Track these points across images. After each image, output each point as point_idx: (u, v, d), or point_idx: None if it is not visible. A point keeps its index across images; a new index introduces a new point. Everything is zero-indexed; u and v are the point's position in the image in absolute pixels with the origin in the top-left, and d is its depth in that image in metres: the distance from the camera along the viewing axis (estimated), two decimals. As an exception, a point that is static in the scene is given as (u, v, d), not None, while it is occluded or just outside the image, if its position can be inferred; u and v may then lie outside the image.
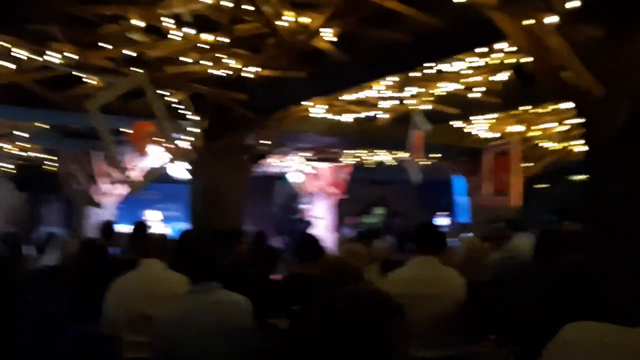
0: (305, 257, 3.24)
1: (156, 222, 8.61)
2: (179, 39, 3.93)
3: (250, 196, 6.20)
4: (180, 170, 6.37)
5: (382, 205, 14.97)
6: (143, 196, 11.57)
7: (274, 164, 10.37)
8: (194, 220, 5.91)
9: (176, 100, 5.34)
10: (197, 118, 5.54)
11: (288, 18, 3.77)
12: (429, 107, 6.10)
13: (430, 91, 5.62)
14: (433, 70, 5.03)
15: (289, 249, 7.11)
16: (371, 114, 6.36)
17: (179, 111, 5.53)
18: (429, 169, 9.14)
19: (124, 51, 4.09)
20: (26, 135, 6.98)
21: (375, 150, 9.43)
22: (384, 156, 9.69)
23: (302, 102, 5.73)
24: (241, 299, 2.30)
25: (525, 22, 3.01)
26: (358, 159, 10.20)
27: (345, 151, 9.60)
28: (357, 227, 11.67)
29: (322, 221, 10.96)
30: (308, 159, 9.97)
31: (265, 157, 6.20)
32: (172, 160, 4.58)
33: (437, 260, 2.90)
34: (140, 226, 4.13)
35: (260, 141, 6.02)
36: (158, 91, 4.70)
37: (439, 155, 8.83)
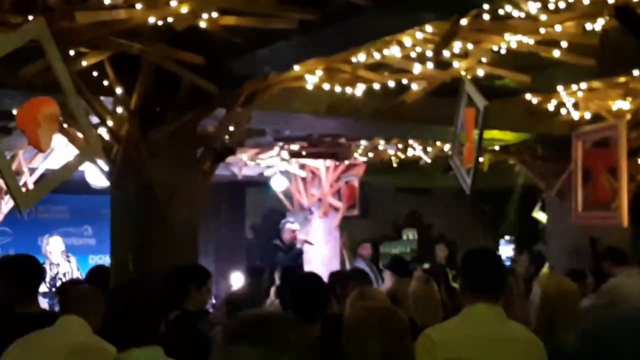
0: (302, 315, 3.38)
1: (56, 253, 8.60)
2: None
3: (210, 214, 6.15)
4: (99, 175, 6.34)
5: (414, 225, 15.05)
6: (42, 215, 11.66)
7: (247, 163, 10.41)
8: (116, 252, 5.94)
9: (92, 64, 5.34)
10: (124, 92, 5.56)
11: None
12: (486, 72, 6.14)
13: (489, 47, 5.68)
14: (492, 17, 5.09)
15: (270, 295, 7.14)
16: (397, 84, 6.45)
17: (98, 82, 5.53)
18: (487, 169, 9.14)
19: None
20: None
21: (402, 141, 9.38)
22: (416, 150, 9.67)
23: (291, 67, 5.78)
24: None
25: None
26: (375, 155, 10.21)
27: (355, 143, 9.67)
28: (375, 259, 11.66)
29: (319, 250, 10.99)
30: (299, 155, 10.00)
31: (234, 152, 6.20)
32: (83, 159, 4.52)
33: (501, 310, 3.11)
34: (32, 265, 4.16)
35: (226, 128, 6.03)
36: (65, 51, 4.69)
37: (502, 147, 8.85)
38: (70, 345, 3.09)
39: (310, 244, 10.57)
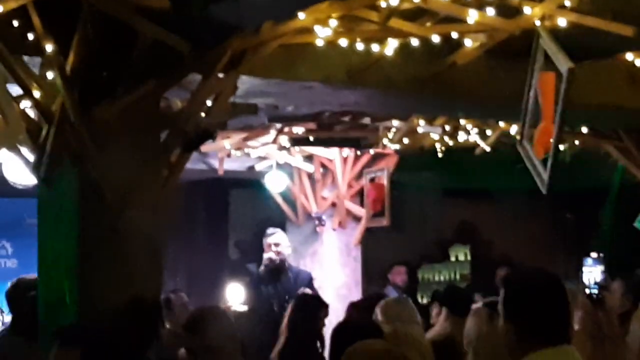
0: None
1: None
2: None
3: (181, 225, 6.11)
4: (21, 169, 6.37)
5: (466, 242, 15.08)
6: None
7: (230, 154, 10.47)
8: (46, 279, 5.97)
9: (11, 11, 5.38)
10: (56, 51, 5.54)
11: None
12: (571, 22, 6.13)
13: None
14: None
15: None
16: (444, 40, 6.47)
17: (20, 36, 5.56)
18: (572, 160, 9.09)
19: None
20: None
21: (450, 122, 9.45)
22: (470, 134, 9.74)
23: (295, 15, 5.81)
24: None
25: None
26: (412, 142, 10.29)
27: (385, 124, 9.67)
28: (412, 287, 11.64)
29: (333, 275, 11.04)
30: (304, 143, 10.05)
31: (212, 137, 6.26)
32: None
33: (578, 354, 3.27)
34: None
35: (201, 103, 6.09)
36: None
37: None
38: None
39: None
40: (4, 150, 6.05)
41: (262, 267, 9.51)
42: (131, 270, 5.75)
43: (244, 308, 7.89)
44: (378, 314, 6.14)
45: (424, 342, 5.78)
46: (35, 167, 5.87)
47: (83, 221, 5.83)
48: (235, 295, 8.21)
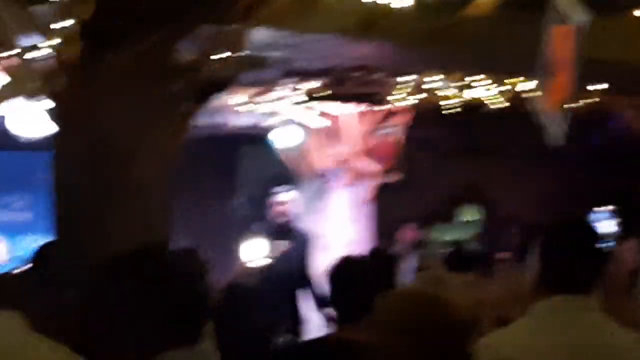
0: (346, 312, 3.82)
1: None
2: None
3: (188, 181, 6.14)
4: (32, 121, 6.32)
5: (477, 201, 15.06)
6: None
7: (241, 107, 10.41)
8: (62, 230, 5.95)
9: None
10: None
11: None
12: None
13: None
14: None
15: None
16: None
17: None
18: (586, 114, 9.09)
19: None
20: None
21: (462, 77, 9.39)
22: (483, 89, 9.64)
23: None
24: None
25: None
26: (425, 98, 10.22)
27: (397, 79, 9.64)
28: (424, 247, 11.69)
29: (342, 232, 11.01)
30: (316, 98, 10.00)
31: (224, 88, 6.24)
32: (9, 94, 4.57)
33: (595, 305, 3.18)
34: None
35: (213, 54, 6.02)
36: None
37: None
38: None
39: (332, 224, 10.53)
40: (16, 101, 6.07)
41: (267, 225, 9.52)
42: (140, 220, 5.73)
43: (261, 263, 7.90)
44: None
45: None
46: (49, 117, 5.90)
47: (94, 172, 5.80)
48: (252, 251, 8.21)
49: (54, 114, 5.87)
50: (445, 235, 14.04)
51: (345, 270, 4.18)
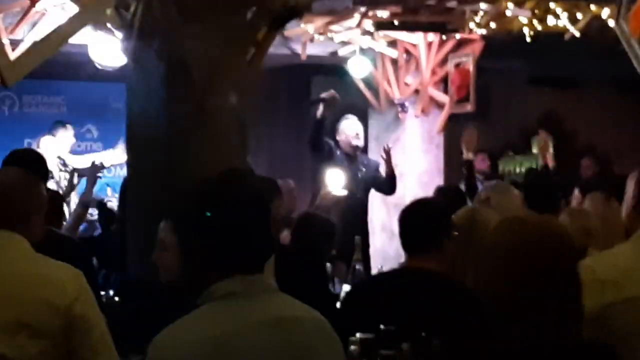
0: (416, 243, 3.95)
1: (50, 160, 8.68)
2: None
3: (262, 112, 6.14)
4: (108, 51, 6.39)
5: (550, 131, 14.85)
6: (29, 109, 11.72)
7: (313, 38, 10.47)
8: (135, 158, 6.09)
9: None
10: None
11: None
12: None
13: None
14: None
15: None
16: None
17: None
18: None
19: None
20: None
21: (539, 4, 9.45)
22: (560, 18, 9.53)
23: None
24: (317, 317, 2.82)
25: None
26: (500, 26, 10.22)
27: (471, 7, 9.72)
28: (493, 178, 11.65)
29: (414, 163, 11.21)
30: (389, 27, 10.03)
31: (300, 15, 6.24)
32: (84, 21, 4.59)
33: None
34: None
35: None
36: None
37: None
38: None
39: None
40: (91, 29, 6.09)
41: (340, 155, 9.32)
42: (217, 146, 5.78)
43: (343, 193, 7.90)
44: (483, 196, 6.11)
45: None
46: (124, 47, 5.88)
47: (170, 101, 5.83)
48: (333, 180, 8.16)
49: (131, 43, 5.97)
50: (518, 166, 13.95)
51: (417, 210, 4.24)
